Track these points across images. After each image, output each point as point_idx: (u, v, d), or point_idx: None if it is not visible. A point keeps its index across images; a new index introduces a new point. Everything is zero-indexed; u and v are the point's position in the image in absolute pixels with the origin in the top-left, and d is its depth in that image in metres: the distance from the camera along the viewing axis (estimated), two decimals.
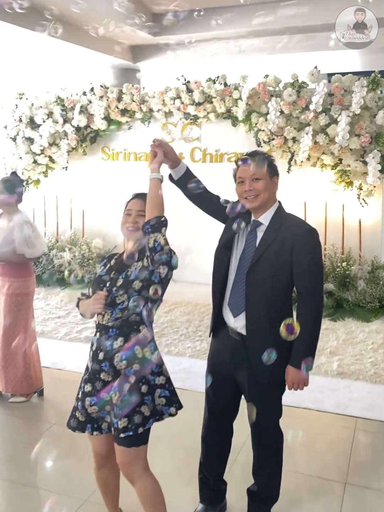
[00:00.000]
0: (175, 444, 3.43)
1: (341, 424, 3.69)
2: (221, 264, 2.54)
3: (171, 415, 2.30)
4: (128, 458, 2.20)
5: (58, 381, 4.39)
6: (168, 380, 2.33)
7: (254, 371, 2.42)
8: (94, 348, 2.27)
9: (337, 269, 6.09)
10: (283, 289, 2.40)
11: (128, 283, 2.21)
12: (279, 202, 2.49)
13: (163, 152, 2.42)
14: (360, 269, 6.16)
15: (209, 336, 2.66)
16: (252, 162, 2.43)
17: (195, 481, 2.73)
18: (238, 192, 2.48)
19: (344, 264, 6.10)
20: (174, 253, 2.22)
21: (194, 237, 7.15)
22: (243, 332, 2.44)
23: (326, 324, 5.58)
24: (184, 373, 4.48)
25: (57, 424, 3.69)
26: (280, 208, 2.47)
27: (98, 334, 2.27)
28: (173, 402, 2.32)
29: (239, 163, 2.48)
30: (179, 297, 6.39)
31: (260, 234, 2.42)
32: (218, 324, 2.58)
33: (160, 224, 2.16)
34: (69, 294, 6.83)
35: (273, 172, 2.44)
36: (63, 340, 5.32)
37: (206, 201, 2.66)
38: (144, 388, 2.19)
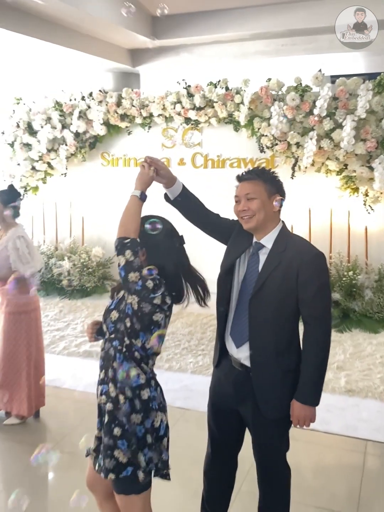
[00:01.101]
0: (176, 472, 3.25)
1: (351, 448, 3.52)
2: (223, 290, 2.38)
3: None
4: (121, 504, 2.04)
5: (55, 400, 4.22)
6: (163, 444, 2.06)
7: (259, 406, 2.26)
8: None
9: (343, 278, 5.91)
10: (289, 317, 2.24)
11: (108, 312, 2.08)
12: (283, 222, 2.33)
13: (155, 170, 2.26)
14: (367, 278, 5.98)
15: (214, 366, 2.50)
16: (247, 180, 2.28)
17: None
18: (235, 212, 2.32)
19: (351, 273, 5.92)
20: (157, 282, 1.94)
21: (194, 243, 6.97)
22: (247, 363, 2.28)
23: (332, 336, 5.37)
24: (185, 391, 4.32)
25: (53, 450, 3.53)
26: (283, 229, 2.30)
27: None
28: (160, 471, 2.06)
29: (237, 181, 2.33)
30: (180, 308, 6.21)
31: (262, 258, 2.26)
32: (222, 354, 2.43)
33: (123, 246, 1.93)
34: (69, 304, 6.69)
35: (273, 190, 2.24)
36: (61, 354, 5.16)
37: (204, 220, 2.51)
38: (116, 431, 1.97)
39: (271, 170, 2.37)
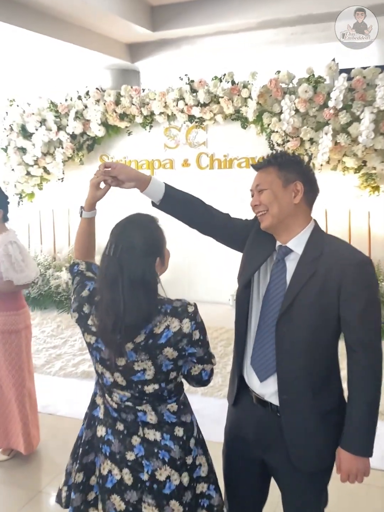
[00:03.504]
0: None
1: None
2: (241, 309, 1.88)
3: None
4: None
5: (48, 430, 3.73)
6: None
7: (291, 457, 1.77)
8: None
9: None
10: (328, 343, 1.75)
11: None
12: (315, 221, 1.83)
13: (110, 179, 1.87)
14: None
15: (231, 403, 2.00)
16: (260, 169, 1.82)
17: None
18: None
19: None
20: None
21: (199, 250, 6.52)
22: (274, 401, 1.78)
23: None
24: (196, 417, 3.81)
25: (43, 492, 3.04)
26: (316, 229, 1.81)
27: None
28: None
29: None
30: None
31: (290, 266, 1.76)
32: (240, 386, 1.93)
33: (70, 271, 1.93)
34: (68, 319, 6.21)
35: (291, 177, 1.75)
36: (57, 375, 4.67)
37: (209, 223, 2.01)
38: None
39: (294, 153, 1.88)
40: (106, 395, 1.77)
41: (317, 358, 1.73)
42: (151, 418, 1.71)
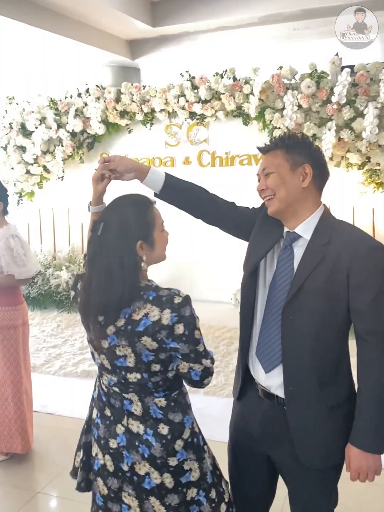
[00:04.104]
0: None
1: None
2: (247, 298, 1.80)
3: None
4: None
5: (48, 430, 3.65)
6: None
7: (297, 452, 1.68)
8: None
9: None
10: (337, 333, 1.67)
11: None
12: (325, 205, 1.76)
13: (108, 173, 1.82)
14: None
15: (235, 397, 1.92)
16: (267, 151, 1.74)
17: None
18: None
19: None
20: None
21: (202, 248, 6.44)
22: (280, 394, 1.71)
23: None
24: (198, 417, 3.69)
25: (42, 493, 2.96)
26: (326, 214, 1.73)
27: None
28: None
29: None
30: None
31: (298, 252, 1.69)
32: (245, 379, 1.85)
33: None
34: (68, 318, 6.13)
35: (299, 159, 1.67)
36: (57, 374, 4.59)
37: (213, 212, 1.94)
38: None
39: (303, 134, 1.81)
40: (99, 377, 1.75)
41: (324, 349, 1.65)
42: (136, 408, 1.62)
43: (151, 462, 1.61)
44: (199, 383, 1.63)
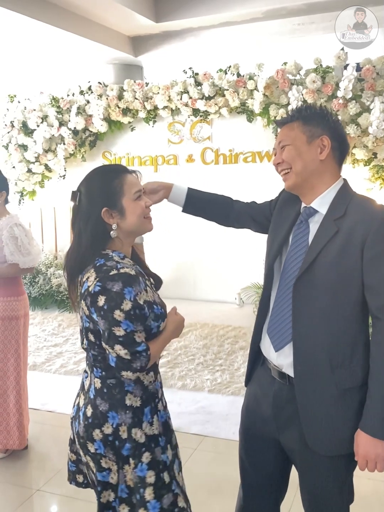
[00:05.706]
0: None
1: None
2: (266, 277, 1.74)
3: None
4: None
5: (48, 428, 3.55)
6: None
7: (306, 434, 1.59)
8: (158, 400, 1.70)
9: None
10: (351, 310, 1.57)
11: None
12: (344, 180, 1.67)
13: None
14: None
15: (246, 380, 1.84)
16: (284, 124, 1.67)
17: None
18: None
19: None
20: None
21: (205, 249, 6.35)
22: (292, 373, 1.61)
23: None
24: (203, 414, 3.62)
25: (41, 490, 2.86)
26: (344, 188, 1.64)
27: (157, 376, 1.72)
28: None
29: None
30: (193, 318, 5.54)
31: (314, 227, 1.61)
32: (257, 362, 1.77)
33: None
34: (69, 318, 6.03)
35: (317, 131, 1.59)
36: (58, 373, 4.49)
37: (237, 216, 1.98)
38: None
39: (321, 106, 1.72)
40: None
41: (337, 329, 1.55)
42: (86, 382, 1.65)
43: (78, 439, 1.63)
44: (117, 372, 1.52)
